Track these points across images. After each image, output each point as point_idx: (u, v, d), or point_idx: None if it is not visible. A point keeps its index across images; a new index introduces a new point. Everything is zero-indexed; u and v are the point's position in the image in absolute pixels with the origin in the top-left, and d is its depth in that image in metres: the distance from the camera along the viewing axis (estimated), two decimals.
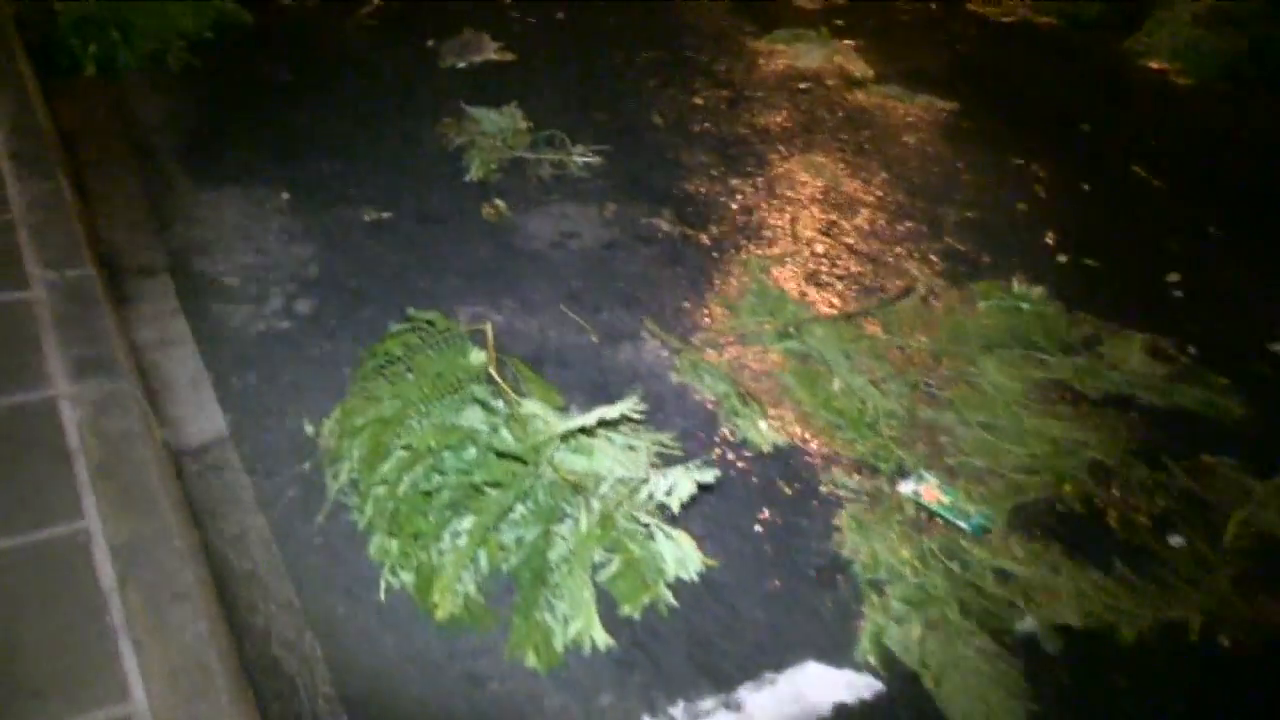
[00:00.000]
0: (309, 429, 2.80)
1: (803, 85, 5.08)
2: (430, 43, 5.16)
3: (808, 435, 2.99)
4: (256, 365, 3.05)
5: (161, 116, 4.34)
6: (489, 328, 3.03)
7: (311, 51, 4.98)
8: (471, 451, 2.66)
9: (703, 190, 4.12)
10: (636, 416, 2.60)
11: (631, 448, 2.66)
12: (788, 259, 3.75)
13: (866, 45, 5.53)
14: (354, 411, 2.83)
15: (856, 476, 2.87)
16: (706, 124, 4.60)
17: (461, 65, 4.96)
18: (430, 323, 3.06)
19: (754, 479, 2.83)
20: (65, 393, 2.57)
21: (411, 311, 3.07)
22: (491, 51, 5.10)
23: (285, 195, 3.88)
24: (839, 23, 5.83)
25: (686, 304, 3.50)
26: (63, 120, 4.12)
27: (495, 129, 4.36)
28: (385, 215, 3.81)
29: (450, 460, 2.64)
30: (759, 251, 3.78)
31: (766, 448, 2.95)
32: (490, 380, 2.80)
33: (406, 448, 2.61)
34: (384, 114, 4.47)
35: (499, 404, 2.84)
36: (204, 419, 2.87)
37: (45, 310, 2.87)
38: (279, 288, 3.39)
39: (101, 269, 3.23)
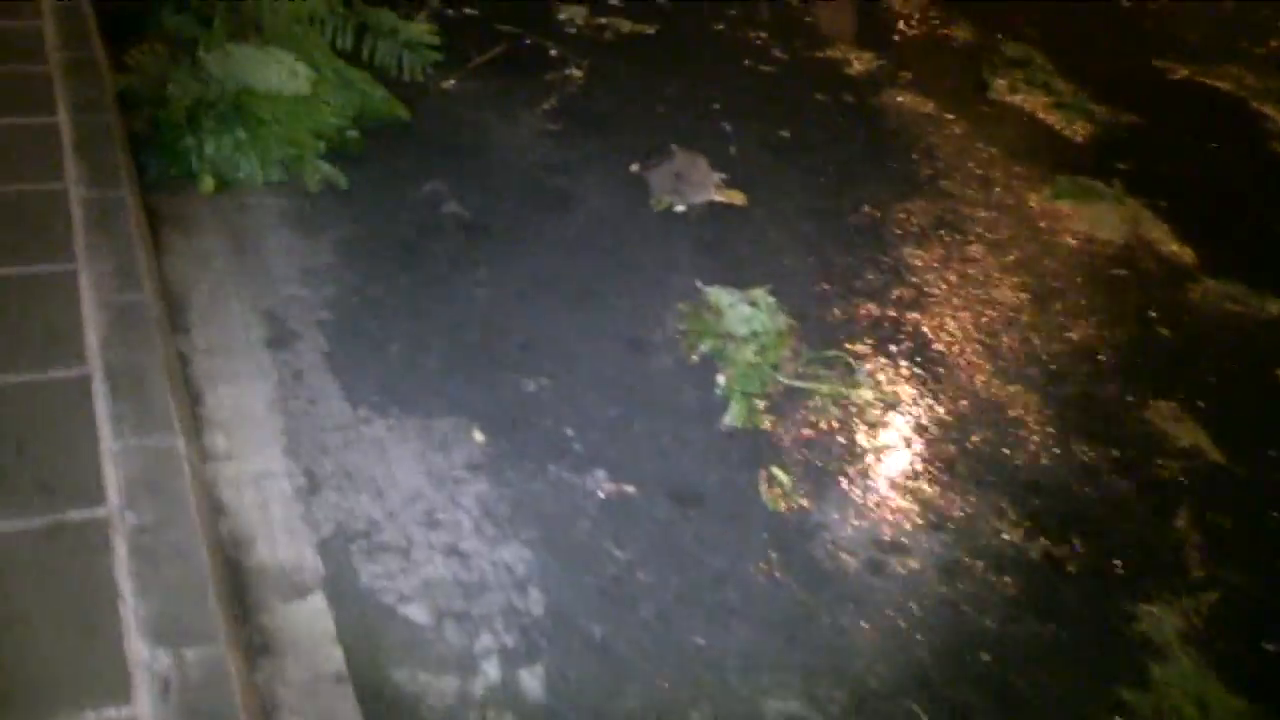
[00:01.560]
0: None
1: (1116, 272, 3.79)
2: (634, 166, 3.91)
3: None
4: None
5: (297, 271, 3.12)
6: None
7: (485, 168, 3.86)
8: None
9: (1052, 466, 2.94)
10: None
11: None
12: (1220, 626, 2.46)
13: (1169, 206, 4.21)
14: None
15: None
16: (1020, 337, 3.34)
17: (680, 208, 3.73)
18: None
19: None
20: None
21: None
22: (714, 188, 3.86)
23: (478, 435, 2.66)
24: (1121, 166, 4.56)
25: (1090, 706, 2.21)
26: (171, 276, 2.89)
27: (747, 330, 3.12)
28: (626, 488, 2.54)
29: None
30: (1163, 601, 2.50)
31: None
32: None
33: None
34: (595, 288, 3.27)
35: None
36: None
37: None
38: (491, 635, 2.19)
39: (233, 615, 2.01)
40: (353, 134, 3.99)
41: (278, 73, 3.63)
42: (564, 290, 3.30)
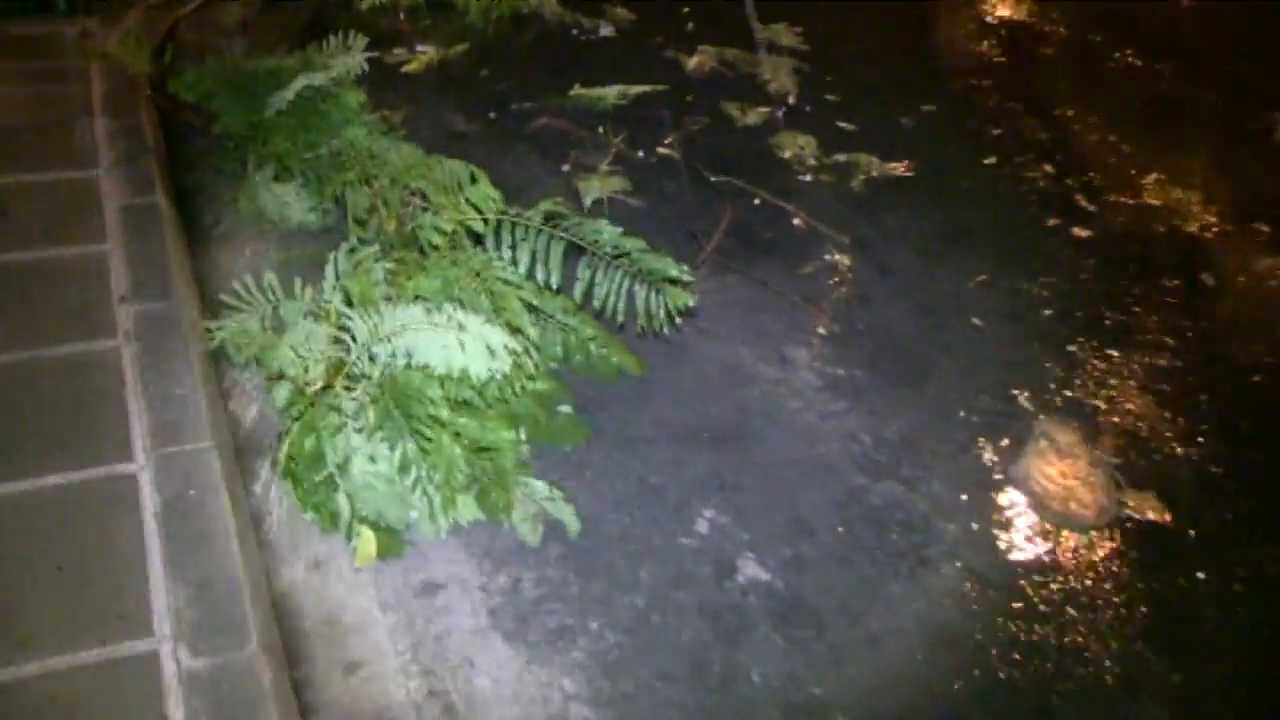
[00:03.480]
0: None
1: None
2: (990, 459, 2.38)
3: None
4: None
5: None
6: None
7: (770, 468, 2.60)
8: None
9: None
10: None
11: None
12: None
13: None
14: None
15: None
16: None
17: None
18: None
19: None
20: None
21: None
22: (1115, 491, 2.37)
23: None
24: None
25: None
26: None
27: None
28: None
29: None
30: None
31: None
32: None
33: None
34: None
35: None
36: None
37: None
38: None
39: None
40: (565, 410, 2.56)
41: (460, 345, 2.17)
42: None
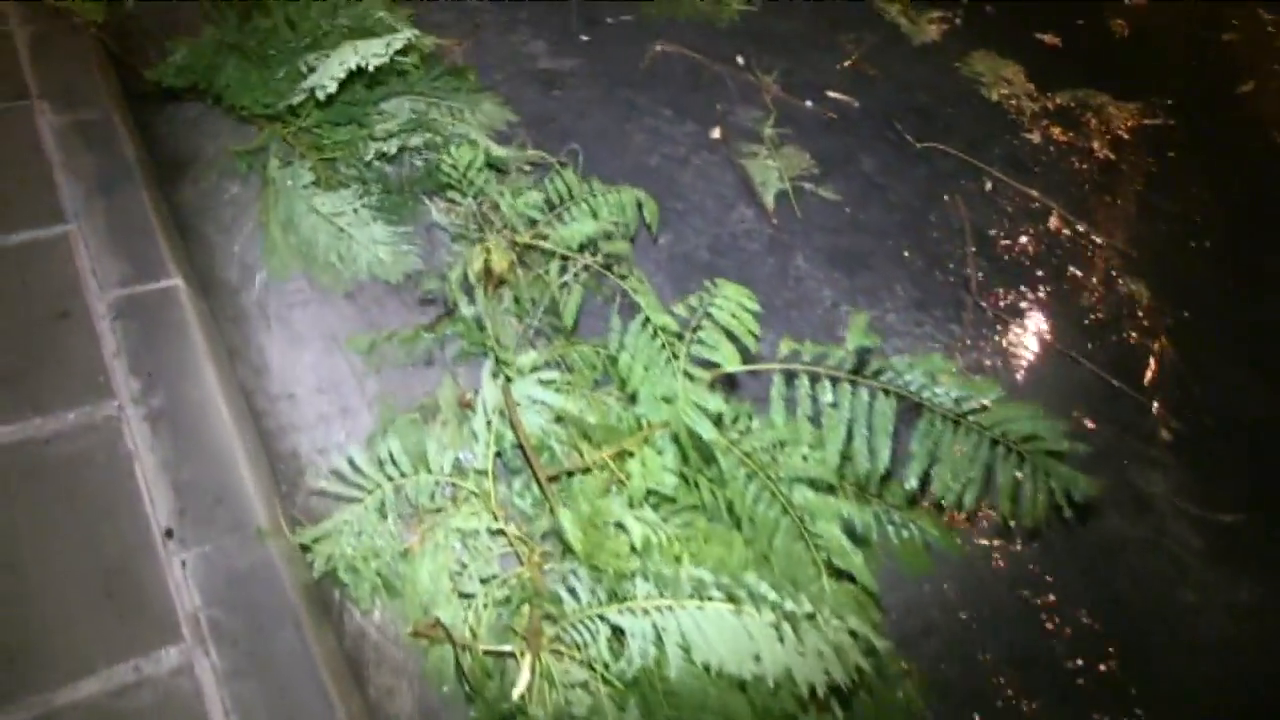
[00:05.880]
0: None
1: None
2: None
3: None
4: None
5: None
6: None
7: None
8: None
9: None
10: None
11: None
12: None
13: None
14: None
15: None
16: None
17: None
18: None
19: None
20: None
21: None
22: None
23: None
24: None
25: None
26: None
27: None
28: None
29: None
30: None
31: None
32: None
33: None
34: None
35: None
36: None
37: None
38: None
39: None
40: (883, 647, 1.53)
41: (777, 635, 1.14)
42: None
